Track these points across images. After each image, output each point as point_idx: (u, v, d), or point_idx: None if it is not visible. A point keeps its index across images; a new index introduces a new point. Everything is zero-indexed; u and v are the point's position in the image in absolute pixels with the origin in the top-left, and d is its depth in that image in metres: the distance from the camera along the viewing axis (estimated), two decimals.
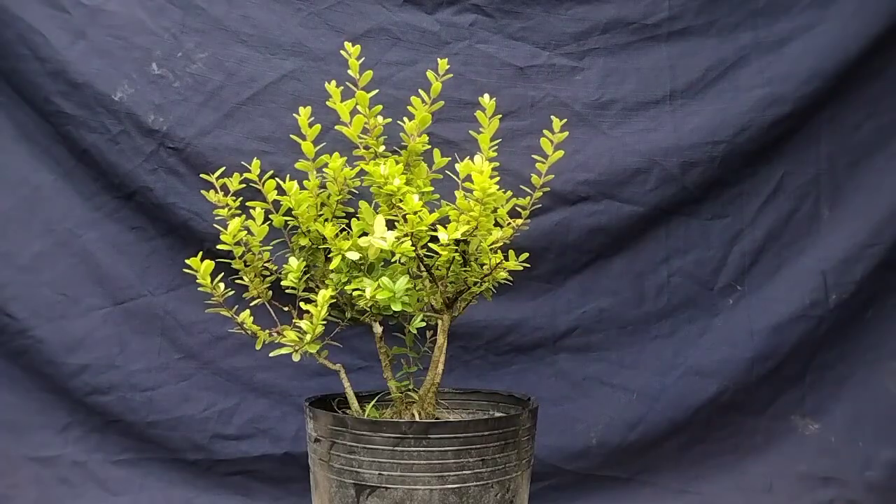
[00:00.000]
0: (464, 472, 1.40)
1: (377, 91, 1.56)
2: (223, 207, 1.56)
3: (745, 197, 2.00)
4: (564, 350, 1.97)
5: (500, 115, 1.55)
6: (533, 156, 1.53)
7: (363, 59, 1.55)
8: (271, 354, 1.48)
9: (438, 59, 1.57)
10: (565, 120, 1.51)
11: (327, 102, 1.54)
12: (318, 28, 1.91)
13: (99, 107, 1.86)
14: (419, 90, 1.57)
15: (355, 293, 1.43)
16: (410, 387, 1.59)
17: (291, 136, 1.62)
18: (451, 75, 1.60)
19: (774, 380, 1.97)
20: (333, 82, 1.53)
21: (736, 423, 1.98)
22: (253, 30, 1.90)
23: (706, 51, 1.96)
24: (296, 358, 1.48)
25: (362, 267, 1.50)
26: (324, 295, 1.40)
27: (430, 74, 1.56)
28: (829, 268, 1.96)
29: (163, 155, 1.88)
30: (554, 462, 1.94)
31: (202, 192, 1.59)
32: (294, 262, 1.50)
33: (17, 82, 1.87)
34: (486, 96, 1.52)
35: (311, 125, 1.56)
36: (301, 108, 1.55)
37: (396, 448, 1.38)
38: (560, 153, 1.52)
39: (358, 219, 1.54)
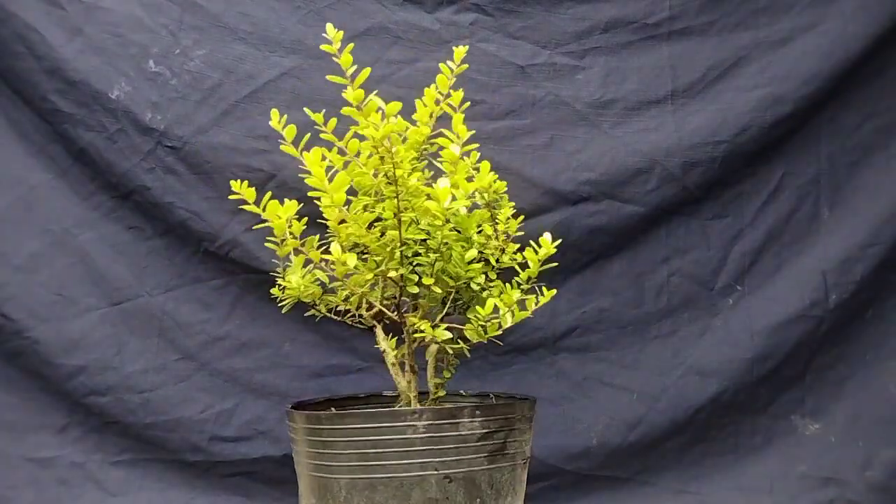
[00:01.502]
0: None
1: (377, 90, 1.54)
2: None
3: (745, 197, 1.99)
4: (564, 350, 1.97)
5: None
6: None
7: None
8: None
9: (445, 62, 1.54)
10: None
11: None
12: (317, 26, 1.89)
13: (96, 105, 1.84)
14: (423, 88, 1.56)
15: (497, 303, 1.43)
16: (448, 379, 1.58)
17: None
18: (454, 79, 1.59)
19: (774, 380, 1.97)
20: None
21: (736, 423, 1.98)
22: (251, 27, 1.89)
23: (707, 50, 1.96)
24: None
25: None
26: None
27: (441, 72, 1.53)
28: (829, 268, 1.96)
29: (160, 153, 1.86)
30: (554, 462, 1.94)
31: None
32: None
33: (13, 80, 1.85)
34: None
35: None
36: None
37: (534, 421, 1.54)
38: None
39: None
